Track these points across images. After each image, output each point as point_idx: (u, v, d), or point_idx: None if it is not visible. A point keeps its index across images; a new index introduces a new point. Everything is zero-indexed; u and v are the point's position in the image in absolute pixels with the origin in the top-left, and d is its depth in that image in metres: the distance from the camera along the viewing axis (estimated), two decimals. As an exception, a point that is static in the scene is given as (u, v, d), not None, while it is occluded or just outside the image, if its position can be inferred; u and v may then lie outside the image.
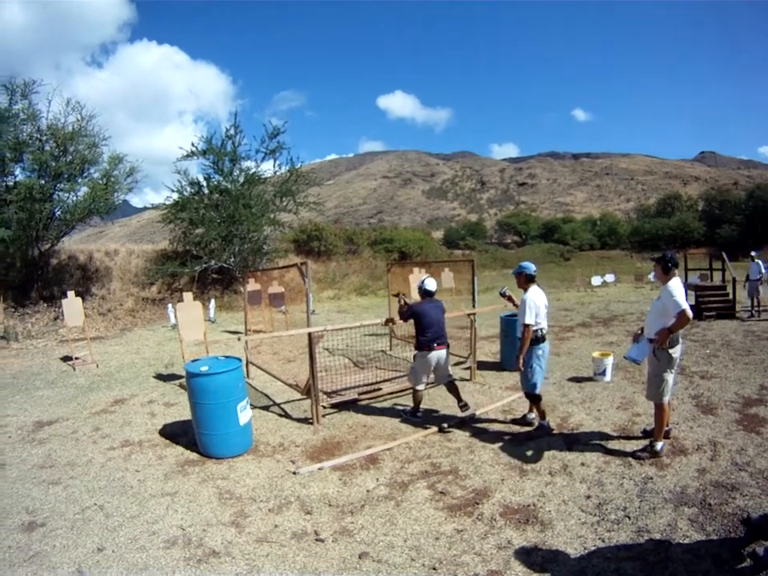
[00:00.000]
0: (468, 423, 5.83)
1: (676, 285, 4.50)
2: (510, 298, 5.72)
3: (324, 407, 6.28)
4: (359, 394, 6.93)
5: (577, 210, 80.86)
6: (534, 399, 5.37)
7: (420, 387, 6.01)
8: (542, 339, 5.26)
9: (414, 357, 6.10)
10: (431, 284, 6.07)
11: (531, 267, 5.39)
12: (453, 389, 6.08)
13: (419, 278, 6.57)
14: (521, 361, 5.22)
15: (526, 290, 5.33)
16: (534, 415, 5.69)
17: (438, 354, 5.85)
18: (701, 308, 12.02)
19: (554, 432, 5.42)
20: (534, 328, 5.16)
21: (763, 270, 12.30)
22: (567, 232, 50.40)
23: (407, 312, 6.00)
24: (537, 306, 5.16)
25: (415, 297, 6.41)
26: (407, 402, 6.49)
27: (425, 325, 5.81)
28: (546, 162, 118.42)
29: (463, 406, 5.96)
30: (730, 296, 12.47)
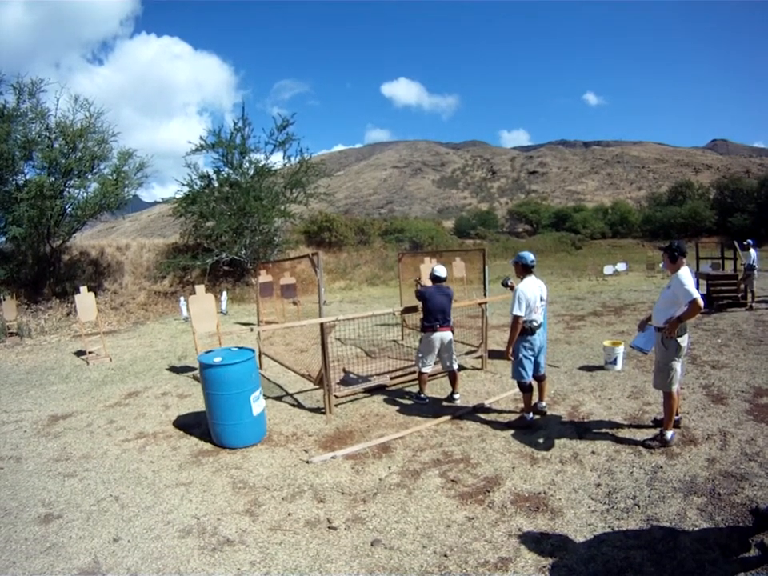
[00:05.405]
0: (480, 412, 5.88)
1: (685, 274, 4.48)
2: (512, 288, 5.74)
3: (336, 397, 6.33)
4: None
5: (588, 198, 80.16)
6: (523, 389, 5.40)
7: (425, 370, 6.28)
8: (531, 331, 5.27)
9: (420, 340, 6.38)
10: (440, 270, 6.39)
11: (528, 257, 5.38)
12: (453, 379, 6.38)
13: (430, 268, 6.70)
14: (509, 351, 5.29)
15: (522, 279, 5.36)
16: (544, 404, 5.73)
17: (441, 336, 6.14)
18: (712, 297, 11.93)
19: (565, 420, 5.46)
20: (524, 319, 5.18)
21: (750, 261, 12.11)
22: (578, 221, 49.93)
23: (417, 294, 6.32)
24: (528, 298, 5.16)
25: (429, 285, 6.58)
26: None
27: (429, 308, 6.14)
28: (557, 150, 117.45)
29: (450, 398, 6.33)
30: (742, 285, 12.36)
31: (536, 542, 3.34)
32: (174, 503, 4.15)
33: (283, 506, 4.02)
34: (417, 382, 6.50)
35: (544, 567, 3.09)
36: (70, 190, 16.53)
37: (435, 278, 6.31)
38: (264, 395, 5.61)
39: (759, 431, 4.84)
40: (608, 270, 23.31)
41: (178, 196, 19.93)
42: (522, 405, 5.58)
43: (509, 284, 6.10)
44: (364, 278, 24.08)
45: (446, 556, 3.26)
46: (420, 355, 6.29)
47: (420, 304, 6.33)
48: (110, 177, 16.73)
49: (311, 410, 6.34)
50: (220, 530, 3.70)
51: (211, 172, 20.61)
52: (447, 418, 5.72)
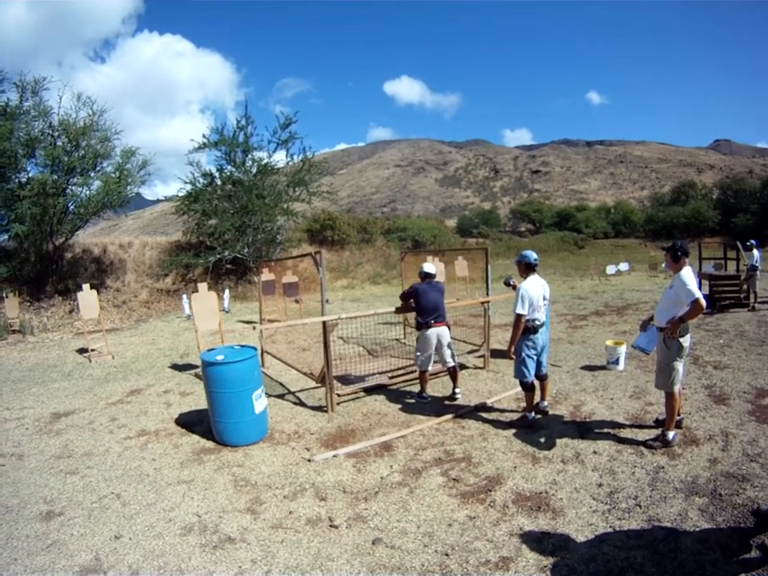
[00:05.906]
0: (481, 411, 5.87)
1: (688, 273, 4.48)
2: (514, 287, 5.74)
3: (338, 395, 6.34)
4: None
5: (591, 198, 79.80)
6: (526, 388, 5.40)
7: (426, 368, 6.30)
8: (534, 330, 5.27)
9: (417, 339, 6.38)
10: (429, 267, 6.39)
11: (531, 256, 5.39)
12: (453, 375, 6.38)
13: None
14: (512, 350, 5.30)
15: (525, 278, 5.37)
16: (546, 403, 5.73)
17: (437, 331, 6.13)
18: (714, 298, 11.91)
19: (567, 420, 5.45)
20: (527, 318, 5.19)
21: (753, 261, 12.09)
22: (581, 220, 49.69)
23: (408, 291, 6.29)
24: (531, 296, 5.17)
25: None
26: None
27: (423, 304, 6.13)
28: (560, 149, 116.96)
29: (451, 395, 6.34)
30: (744, 286, 12.34)
31: (537, 541, 3.34)
32: (176, 501, 4.15)
33: (285, 504, 4.03)
34: (418, 380, 6.50)
35: (545, 567, 3.09)
36: (73, 187, 16.60)
37: (426, 275, 6.31)
38: (266, 393, 5.62)
39: (761, 432, 4.83)
40: (610, 269, 23.29)
41: (180, 194, 19.95)
42: (523, 404, 5.57)
43: (511, 283, 6.11)
44: (366, 277, 24.09)
45: (447, 555, 3.26)
46: (419, 353, 6.29)
47: (413, 302, 6.33)
48: (113, 175, 16.76)
49: (313, 408, 6.35)
50: (221, 528, 3.70)
51: (214, 170, 20.67)
52: (449, 416, 5.72)
